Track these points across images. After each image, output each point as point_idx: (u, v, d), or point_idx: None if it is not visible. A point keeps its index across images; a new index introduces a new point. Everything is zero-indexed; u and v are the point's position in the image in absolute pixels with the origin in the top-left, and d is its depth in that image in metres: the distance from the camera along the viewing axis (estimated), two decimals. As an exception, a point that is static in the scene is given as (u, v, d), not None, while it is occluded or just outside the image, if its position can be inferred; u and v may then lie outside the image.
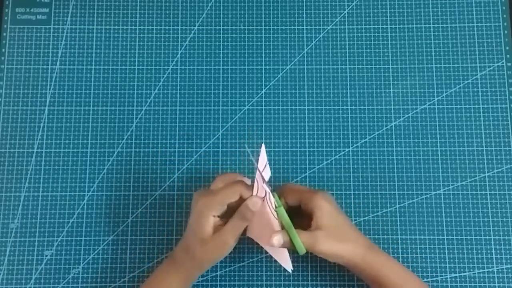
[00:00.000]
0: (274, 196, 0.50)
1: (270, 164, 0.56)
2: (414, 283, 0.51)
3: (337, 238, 0.49)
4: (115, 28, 0.63)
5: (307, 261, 0.57)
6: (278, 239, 0.49)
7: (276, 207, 0.50)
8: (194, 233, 0.49)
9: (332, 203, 0.51)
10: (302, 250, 0.49)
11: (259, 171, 0.48)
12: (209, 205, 0.49)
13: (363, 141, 0.60)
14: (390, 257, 0.52)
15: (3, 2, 0.63)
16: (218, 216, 0.49)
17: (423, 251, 0.57)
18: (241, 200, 0.49)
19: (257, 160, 0.48)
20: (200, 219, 0.49)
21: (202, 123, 0.60)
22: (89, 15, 0.63)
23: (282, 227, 0.49)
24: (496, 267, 0.56)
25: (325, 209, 0.50)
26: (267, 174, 0.50)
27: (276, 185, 0.58)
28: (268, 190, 0.48)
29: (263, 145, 0.50)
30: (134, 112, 0.61)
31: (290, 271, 0.51)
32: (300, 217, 0.51)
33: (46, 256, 0.57)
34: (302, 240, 0.48)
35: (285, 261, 0.51)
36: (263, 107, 0.61)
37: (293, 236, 0.48)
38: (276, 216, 0.49)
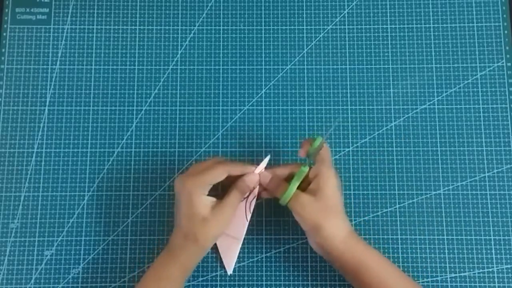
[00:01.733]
0: (317, 140, 0.50)
1: (270, 165, 0.56)
2: (394, 273, 0.50)
3: (325, 217, 0.48)
4: (115, 28, 0.63)
5: (307, 261, 0.57)
6: (265, 174, 0.52)
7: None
8: (190, 217, 0.49)
9: (338, 180, 0.51)
10: (285, 201, 0.49)
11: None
12: (200, 185, 0.49)
13: (363, 141, 0.60)
14: (369, 245, 0.51)
15: (3, 2, 0.63)
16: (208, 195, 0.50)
17: (423, 251, 0.57)
18: (229, 178, 0.51)
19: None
20: (194, 200, 0.49)
21: (202, 123, 0.60)
22: (89, 15, 0.63)
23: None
24: (496, 267, 0.56)
25: (331, 184, 0.49)
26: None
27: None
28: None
29: (267, 158, 0.53)
30: (134, 112, 0.61)
31: (229, 274, 0.55)
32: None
33: (46, 256, 0.57)
34: (297, 197, 0.49)
35: (229, 263, 0.55)
36: (263, 107, 0.61)
37: (293, 183, 0.49)
38: None
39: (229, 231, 0.54)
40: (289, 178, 0.51)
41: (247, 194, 0.53)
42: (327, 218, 0.48)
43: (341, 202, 0.51)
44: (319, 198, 0.48)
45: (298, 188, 0.50)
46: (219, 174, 0.50)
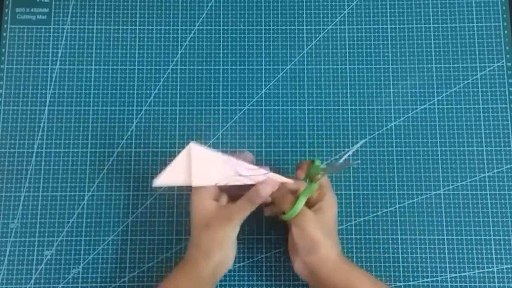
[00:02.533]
0: (316, 162, 0.50)
1: (270, 165, 0.56)
2: None
3: (327, 233, 0.48)
4: (115, 28, 0.63)
5: (307, 261, 0.57)
6: (272, 183, 0.48)
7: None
8: (195, 223, 0.48)
9: (336, 207, 0.51)
10: (293, 213, 0.48)
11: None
12: (205, 188, 0.49)
13: (363, 141, 0.60)
14: (361, 268, 0.51)
15: (3, 2, 0.63)
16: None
17: (423, 251, 0.57)
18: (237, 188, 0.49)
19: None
20: (199, 204, 0.48)
21: (202, 123, 0.60)
22: (89, 15, 0.63)
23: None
24: (496, 267, 0.56)
25: (332, 208, 0.50)
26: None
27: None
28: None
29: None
30: (134, 112, 0.61)
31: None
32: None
33: (46, 256, 0.57)
34: (302, 211, 0.48)
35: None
36: (263, 107, 0.61)
37: (301, 199, 0.48)
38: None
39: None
40: (292, 192, 0.50)
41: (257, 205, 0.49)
42: (326, 238, 0.48)
43: (336, 225, 0.51)
44: (322, 220, 0.48)
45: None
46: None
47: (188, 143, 0.49)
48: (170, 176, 0.49)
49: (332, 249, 0.48)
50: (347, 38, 0.63)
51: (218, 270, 0.49)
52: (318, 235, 0.48)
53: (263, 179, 0.48)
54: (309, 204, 0.50)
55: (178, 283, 0.48)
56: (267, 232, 0.58)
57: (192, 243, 0.49)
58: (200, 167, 0.48)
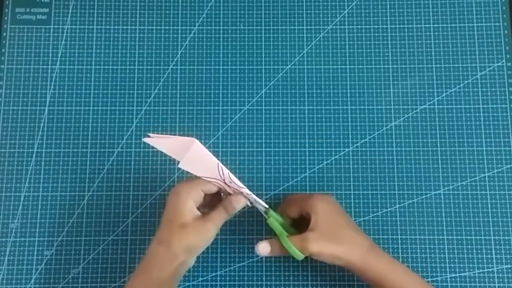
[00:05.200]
0: (270, 211, 0.50)
1: (270, 165, 0.56)
2: (418, 285, 0.49)
3: (331, 238, 0.48)
4: (115, 28, 0.63)
5: (307, 261, 0.57)
6: (264, 246, 0.49)
7: (267, 214, 0.50)
8: (170, 221, 0.47)
9: (329, 203, 0.51)
10: (298, 256, 0.48)
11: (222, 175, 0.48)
12: (188, 188, 0.47)
13: (363, 141, 0.60)
14: (393, 258, 0.51)
15: (3, 2, 0.63)
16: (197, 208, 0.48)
17: (423, 251, 0.57)
18: (216, 197, 0.49)
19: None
20: (179, 202, 0.47)
21: (202, 123, 0.60)
22: (89, 15, 0.63)
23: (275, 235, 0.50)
24: (496, 267, 0.56)
25: (319, 209, 0.49)
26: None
27: (276, 185, 0.58)
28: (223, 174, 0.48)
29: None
30: (134, 112, 0.61)
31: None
32: (305, 227, 0.50)
33: (46, 256, 0.57)
34: (293, 244, 0.48)
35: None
36: (263, 107, 0.61)
37: (285, 242, 0.48)
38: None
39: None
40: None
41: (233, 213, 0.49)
42: (339, 244, 0.48)
43: (344, 221, 0.50)
44: (321, 231, 0.48)
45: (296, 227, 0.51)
46: (211, 184, 0.48)
47: (192, 136, 0.48)
48: (164, 144, 0.49)
49: (352, 251, 0.48)
50: (347, 38, 0.63)
51: (181, 271, 0.48)
52: (324, 252, 0.48)
53: (238, 192, 0.49)
54: (305, 221, 0.50)
55: (137, 284, 0.47)
56: (267, 232, 0.58)
57: (159, 239, 0.47)
58: (193, 158, 0.48)
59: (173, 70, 0.62)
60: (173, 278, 0.47)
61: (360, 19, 0.63)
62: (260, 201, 0.50)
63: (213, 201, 0.50)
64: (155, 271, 0.46)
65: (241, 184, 0.48)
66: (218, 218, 0.48)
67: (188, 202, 0.47)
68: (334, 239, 0.48)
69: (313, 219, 0.49)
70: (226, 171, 0.48)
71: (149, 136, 0.49)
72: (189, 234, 0.46)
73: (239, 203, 0.48)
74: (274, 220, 0.50)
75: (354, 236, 0.50)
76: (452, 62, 0.62)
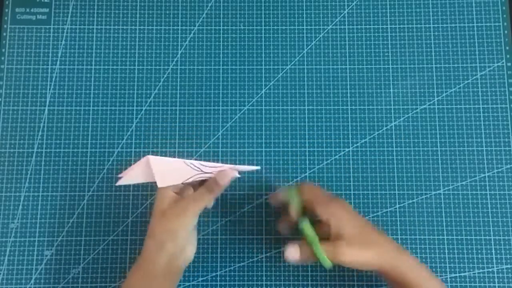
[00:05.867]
0: (292, 191, 0.50)
1: (270, 165, 0.56)
2: None
3: (361, 245, 0.47)
4: (115, 28, 0.63)
5: (307, 261, 0.57)
6: (292, 252, 0.47)
7: (299, 220, 0.49)
8: (153, 213, 0.48)
9: (348, 209, 0.49)
10: (327, 264, 0.46)
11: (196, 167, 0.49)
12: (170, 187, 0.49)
13: (363, 141, 0.60)
14: (417, 260, 0.49)
15: (3, 2, 0.63)
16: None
17: (423, 251, 0.57)
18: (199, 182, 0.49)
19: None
20: (159, 195, 0.48)
21: (202, 123, 0.60)
22: (89, 15, 0.63)
23: (303, 239, 0.48)
24: (496, 267, 0.56)
25: (341, 216, 0.48)
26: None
27: (276, 185, 0.58)
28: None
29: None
30: (134, 112, 0.61)
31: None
32: (318, 224, 0.49)
33: (46, 256, 0.57)
34: (325, 252, 0.46)
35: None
36: (263, 107, 0.61)
37: (317, 250, 0.46)
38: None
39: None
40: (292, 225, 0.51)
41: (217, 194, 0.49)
42: (368, 249, 0.47)
43: (367, 225, 0.49)
44: (348, 238, 0.47)
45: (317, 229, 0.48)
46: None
47: (144, 155, 0.50)
48: (133, 176, 0.50)
49: (382, 255, 0.47)
50: (347, 38, 0.63)
51: (173, 263, 0.47)
52: (357, 260, 0.46)
53: (222, 169, 0.49)
54: (326, 232, 0.48)
55: (132, 282, 0.48)
56: (267, 232, 0.58)
57: (148, 234, 0.48)
58: (162, 172, 0.49)
59: (173, 70, 0.62)
60: (167, 273, 0.47)
61: (360, 19, 0.63)
62: (247, 166, 0.50)
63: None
64: (147, 266, 0.47)
65: (219, 164, 0.48)
66: (198, 198, 0.48)
67: (167, 191, 0.48)
68: (362, 245, 0.47)
69: (336, 227, 0.47)
70: (196, 162, 0.48)
71: (120, 178, 0.50)
72: (168, 219, 0.47)
73: (224, 178, 0.48)
74: (308, 226, 0.48)
75: (382, 239, 0.48)
76: (452, 62, 0.62)
